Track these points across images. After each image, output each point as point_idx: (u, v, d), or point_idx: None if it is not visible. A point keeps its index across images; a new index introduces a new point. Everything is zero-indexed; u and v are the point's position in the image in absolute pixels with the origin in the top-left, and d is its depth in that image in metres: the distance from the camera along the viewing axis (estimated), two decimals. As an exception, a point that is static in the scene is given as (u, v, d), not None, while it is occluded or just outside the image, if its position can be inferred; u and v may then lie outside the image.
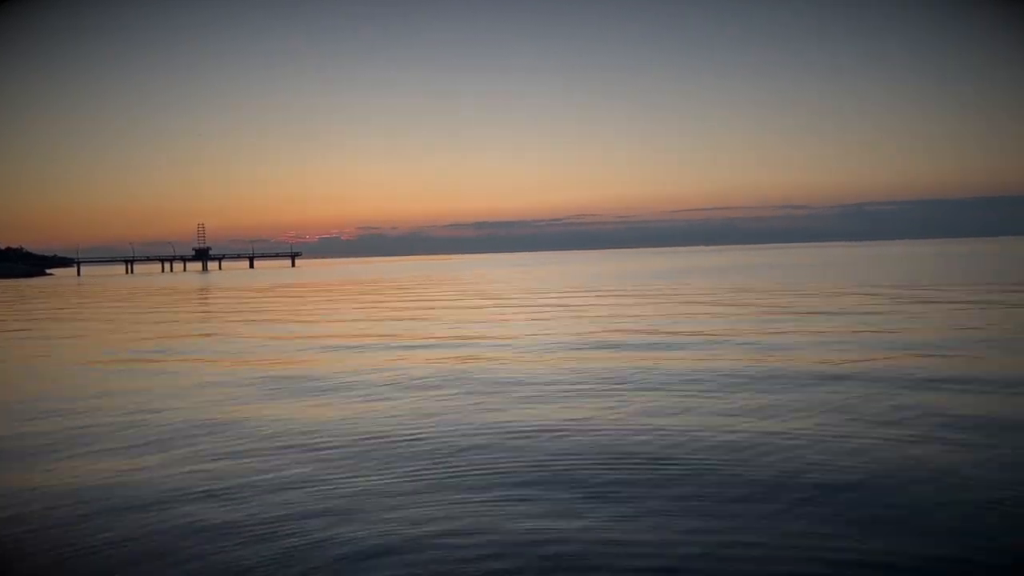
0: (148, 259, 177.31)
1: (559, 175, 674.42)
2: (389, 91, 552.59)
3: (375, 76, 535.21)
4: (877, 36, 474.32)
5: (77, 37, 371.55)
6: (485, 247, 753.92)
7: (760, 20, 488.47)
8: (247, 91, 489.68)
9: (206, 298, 51.42)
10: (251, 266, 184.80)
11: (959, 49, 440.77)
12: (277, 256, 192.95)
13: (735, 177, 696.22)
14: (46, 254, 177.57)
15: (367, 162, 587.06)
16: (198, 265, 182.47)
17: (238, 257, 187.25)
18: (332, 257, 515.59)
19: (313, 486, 8.11)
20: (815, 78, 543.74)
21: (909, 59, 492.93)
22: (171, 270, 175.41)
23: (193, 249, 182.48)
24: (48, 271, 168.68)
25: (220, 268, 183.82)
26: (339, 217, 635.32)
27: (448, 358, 17.65)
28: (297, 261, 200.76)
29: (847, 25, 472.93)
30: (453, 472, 8.49)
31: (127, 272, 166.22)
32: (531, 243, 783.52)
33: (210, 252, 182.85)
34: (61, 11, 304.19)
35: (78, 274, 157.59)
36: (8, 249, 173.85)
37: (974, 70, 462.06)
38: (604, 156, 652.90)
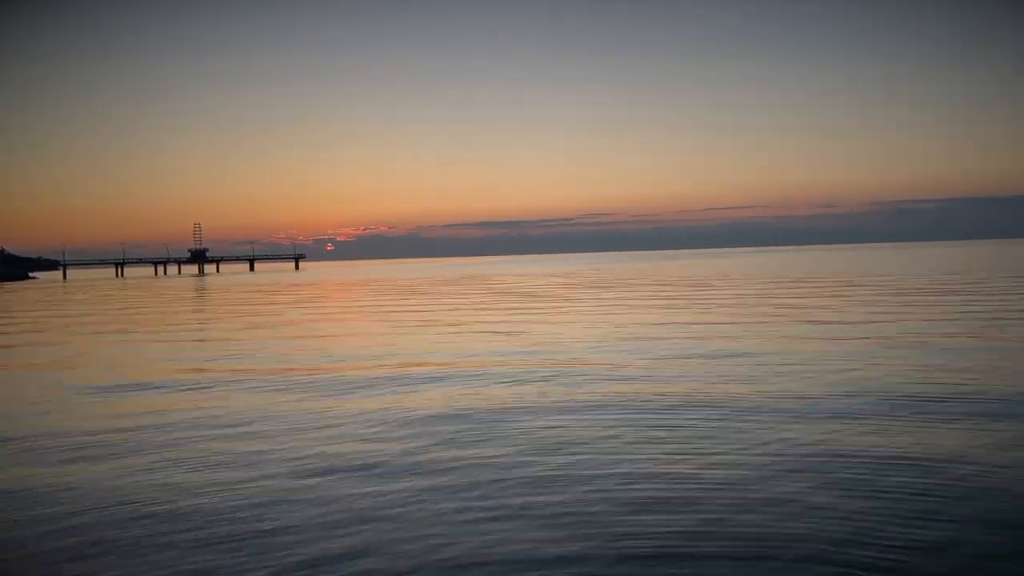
0: (140, 261, 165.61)
1: (569, 172, 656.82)
2: (387, 87, 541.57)
3: (375, 71, 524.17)
4: (914, 21, 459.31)
5: (64, 30, 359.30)
6: (491, 248, 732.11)
7: (786, 9, 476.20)
8: (244, 87, 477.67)
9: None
10: (251, 269, 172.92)
11: (1006, 34, 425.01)
12: (279, 258, 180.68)
13: (756, 175, 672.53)
14: (29, 256, 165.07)
15: (363, 160, 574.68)
16: (194, 268, 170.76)
17: (237, 259, 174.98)
18: (329, 260, 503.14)
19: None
20: (847, 66, 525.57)
21: (951, 45, 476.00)
22: (165, 273, 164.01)
23: (188, 251, 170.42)
24: (31, 274, 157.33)
25: (218, 271, 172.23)
26: (335, 218, 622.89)
27: None
28: (300, 263, 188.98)
29: (881, 11, 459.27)
30: None
31: (117, 275, 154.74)
32: (540, 244, 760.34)
33: (207, 254, 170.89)
34: (48, 4, 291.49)
35: (64, 277, 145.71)
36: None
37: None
38: (617, 152, 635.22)
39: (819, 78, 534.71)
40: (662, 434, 9.56)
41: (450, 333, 23.23)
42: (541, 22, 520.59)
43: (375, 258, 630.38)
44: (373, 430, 10.35)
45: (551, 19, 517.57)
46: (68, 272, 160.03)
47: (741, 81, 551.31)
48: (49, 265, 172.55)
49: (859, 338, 18.56)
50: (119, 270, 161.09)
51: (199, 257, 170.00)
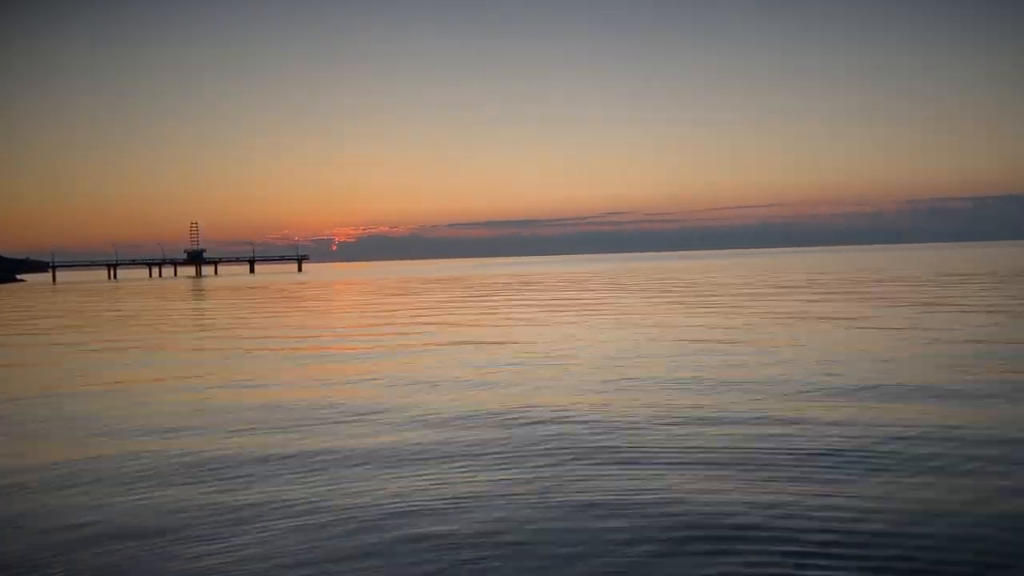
0: (134, 263, 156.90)
1: (582, 170, 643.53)
2: (388, 85, 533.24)
3: (376, 68, 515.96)
4: (947, 9, 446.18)
5: (53, 19, 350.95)
6: (498, 249, 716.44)
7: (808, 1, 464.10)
8: (243, 83, 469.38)
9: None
10: (251, 271, 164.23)
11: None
12: (282, 259, 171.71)
13: (781, 173, 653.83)
14: (17, 257, 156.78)
15: (363, 159, 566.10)
16: (191, 269, 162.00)
17: (236, 260, 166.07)
18: (331, 261, 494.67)
19: None
20: (874, 52, 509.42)
21: (988, 32, 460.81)
22: (160, 275, 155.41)
23: (185, 252, 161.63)
24: (19, 276, 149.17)
25: (216, 273, 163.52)
26: (334, 217, 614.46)
27: None
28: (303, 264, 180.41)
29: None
30: None
31: (110, 277, 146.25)
32: (552, 245, 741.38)
33: (204, 255, 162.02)
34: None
35: (53, 280, 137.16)
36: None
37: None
38: (634, 149, 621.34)
39: (840, 71, 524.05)
40: None
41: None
42: (553, 16, 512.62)
43: (376, 259, 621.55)
44: None
45: (563, 13, 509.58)
46: (58, 274, 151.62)
47: (762, 75, 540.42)
48: (38, 267, 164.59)
49: None
50: (111, 272, 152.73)
51: (196, 258, 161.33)
